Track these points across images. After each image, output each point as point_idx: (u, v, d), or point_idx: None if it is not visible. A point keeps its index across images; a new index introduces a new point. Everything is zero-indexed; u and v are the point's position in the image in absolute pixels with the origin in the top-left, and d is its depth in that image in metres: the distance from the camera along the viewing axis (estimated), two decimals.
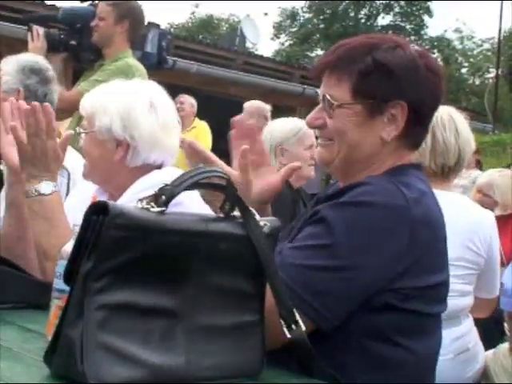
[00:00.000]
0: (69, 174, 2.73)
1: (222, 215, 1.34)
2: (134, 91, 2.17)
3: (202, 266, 1.26)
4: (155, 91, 2.20)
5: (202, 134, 8.10)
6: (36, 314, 1.65)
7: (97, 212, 1.15)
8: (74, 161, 2.71)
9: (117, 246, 1.15)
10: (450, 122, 2.79)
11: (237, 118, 1.92)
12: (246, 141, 1.77)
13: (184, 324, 1.23)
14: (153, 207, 1.20)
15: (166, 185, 1.25)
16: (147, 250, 1.18)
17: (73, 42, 4.27)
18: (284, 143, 3.84)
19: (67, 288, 1.20)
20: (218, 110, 8.47)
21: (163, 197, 1.22)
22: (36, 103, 1.97)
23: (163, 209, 1.21)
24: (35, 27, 4.19)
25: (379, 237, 1.56)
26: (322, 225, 1.58)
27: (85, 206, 1.20)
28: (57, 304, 1.41)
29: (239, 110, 5.90)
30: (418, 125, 1.72)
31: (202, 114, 8.49)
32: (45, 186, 1.98)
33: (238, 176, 1.74)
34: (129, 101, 2.12)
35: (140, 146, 2.12)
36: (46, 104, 2.00)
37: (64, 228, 1.96)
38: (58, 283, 1.40)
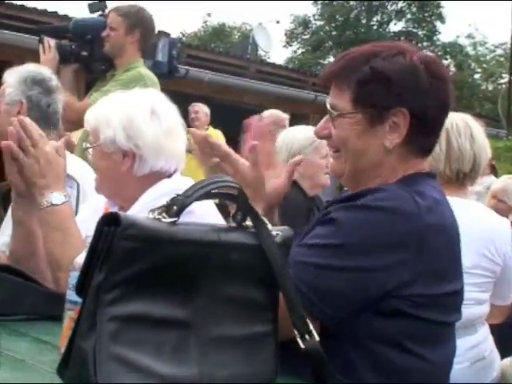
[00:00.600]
0: (78, 185, 2.72)
1: (234, 225, 1.34)
2: (134, 100, 2.17)
3: (213, 276, 1.25)
4: (156, 98, 2.20)
5: None
6: (50, 326, 1.64)
7: (108, 223, 1.15)
8: (84, 172, 2.71)
9: (128, 257, 1.15)
10: (466, 128, 2.78)
11: (249, 119, 1.92)
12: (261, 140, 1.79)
13: (196, 335, 1.22)
14: (164, 218, 1.20)
15: (178, 195, 1.24)
16: (159, 260, 1.18)
17: (84, 53, 4.27)
18: (301, 152, 3.83)
19: (80, 300, 1.19)
20: (230, 118, 8.48)
21: (175, 207, 1.21)
22: (14, 119, 2.00)
23: (175, 219, 1.20)
24: (46, 39, 4.20)
25: (386, 241, 1.56)
26: (331, 225, 1.60)
27: (97, 216, 1.20)
28: (70, 316, 1.41)
29: None
30: (422, 131, 1.69)
31: (214, 122, 8.50)
32: (56, 197, 1.99)
33: (250, 170, 1.76)
34: (130, 110, 2.12)
35: (146, 154, 2.12)
36: (20, 117, 2.03)
37: (77, 238, 1.96)
38: (71, 295, 1.40)
